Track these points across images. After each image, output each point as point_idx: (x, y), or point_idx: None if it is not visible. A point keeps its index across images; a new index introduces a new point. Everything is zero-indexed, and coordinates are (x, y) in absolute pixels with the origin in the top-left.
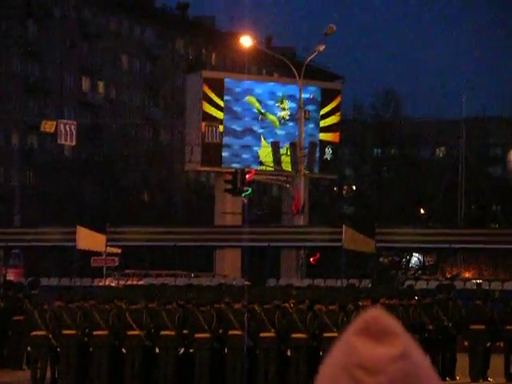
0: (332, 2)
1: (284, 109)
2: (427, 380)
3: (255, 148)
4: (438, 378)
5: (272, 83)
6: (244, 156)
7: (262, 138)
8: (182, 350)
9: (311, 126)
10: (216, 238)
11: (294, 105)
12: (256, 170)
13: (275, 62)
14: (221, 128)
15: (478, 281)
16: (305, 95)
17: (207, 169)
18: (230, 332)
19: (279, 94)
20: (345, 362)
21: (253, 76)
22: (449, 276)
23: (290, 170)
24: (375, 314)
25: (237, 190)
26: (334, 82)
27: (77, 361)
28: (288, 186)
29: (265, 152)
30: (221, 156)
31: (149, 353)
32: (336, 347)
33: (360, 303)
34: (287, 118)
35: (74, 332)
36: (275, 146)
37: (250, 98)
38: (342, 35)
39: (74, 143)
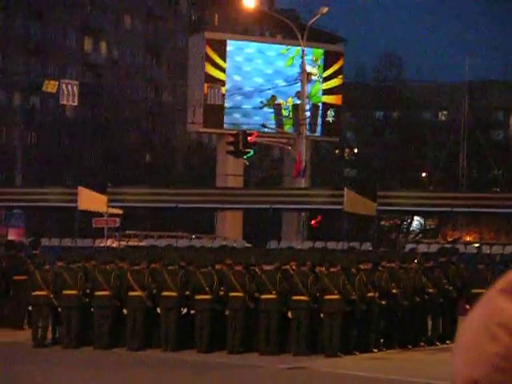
0: None
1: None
2: None
3: (258, 109)
4: None
5: (276, 45)
6: (247, 118)
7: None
8: (185, 311)
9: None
10: (217, 199)
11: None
12: (258, 132)
13: (278, 25)
14: (223, 90)
15: (479, 245)
16: (308, 58)
17: (209, 130)
18: (231, 293)
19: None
20: (486, 319)
21: (256, 37)
22: (450, 240)
23: (291, 131)
24: None
25: (239, 152)
26: (337, 45)
27: (78, 321)
28: (290, 148)
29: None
30: (223, 117)
31: (150, 313)
32: (479, 304)
33: (361, 266)
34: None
35: (75, 292)
36: (278, 109)
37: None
38: None
39: (75, 103)
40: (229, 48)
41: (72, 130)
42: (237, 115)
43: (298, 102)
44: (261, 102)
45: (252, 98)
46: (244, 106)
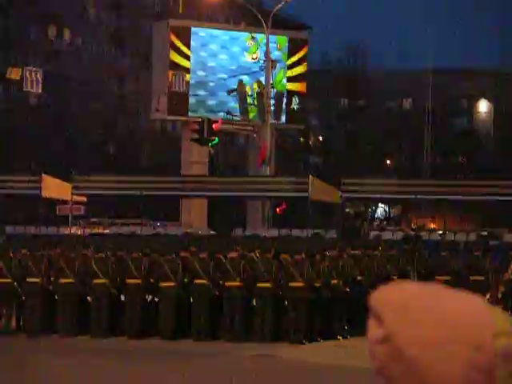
0: None
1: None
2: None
3: (222, 97)
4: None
5: (239, 32)
6: (210, 104)
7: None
8: (150, 298)
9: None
10: (182, 187)
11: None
12: (223, 120)
13: (243, 12)
14: (187, 77)
15: (442, 232)
16: (272, 45)
17: (174, 118)
18: (196, 281)
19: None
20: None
21: (220, 24)
22: (414, 227)
23: (256, 119)
24: (376, 293)
25: (203, 139)
26: (302, 32)
27: (42, 308)
28: (255, 135)
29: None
30: (187, 105)
31: (115, 301)
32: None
33: (326, 253)
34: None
35: (39, 280)
36: (242, 96)
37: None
38: None
39: (39, 91)
40: (193, 41)
41: (36, 118)
42: (201, 110)
43: (260, 89)
44: (229, 91)
45: (217, 94)
46: (209, 103)
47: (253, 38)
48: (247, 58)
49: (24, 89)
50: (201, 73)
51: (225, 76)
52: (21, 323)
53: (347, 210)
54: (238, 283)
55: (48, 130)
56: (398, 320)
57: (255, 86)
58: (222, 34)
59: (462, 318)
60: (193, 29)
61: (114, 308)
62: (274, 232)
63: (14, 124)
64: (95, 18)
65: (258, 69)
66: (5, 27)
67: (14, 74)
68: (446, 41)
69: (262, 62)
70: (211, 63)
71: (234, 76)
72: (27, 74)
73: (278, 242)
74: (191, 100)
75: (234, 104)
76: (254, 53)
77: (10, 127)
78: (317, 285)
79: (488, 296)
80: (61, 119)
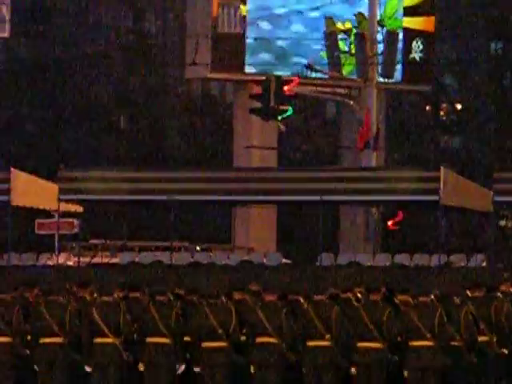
0: None
1: None
2: None
3: (298, 41)
4: None
5: None
6: (279, 51)
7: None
8: (183, 368)
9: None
10: (236, 188)
11: None
12: (301, 78)
13: None
14: (243, 9)
15: None
16: None
17: (222, 76)
18: (259, 339)
19: None
20: None
21: None
22: None
23: (354, 76)
24: None
25: (270, 110)
26: None
27: (12, 382)
28: (352, 103)
29: None
30: (243, 55)
31: (129, 371)
32: None
33: (469, 293)
34: None
35: (8, 340)
36: (332, 40)
37: None
38: None
39: (6, 34)
40: None
41: (1, 78)
42: (265, 55)
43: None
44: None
45: (288, 26)
46: (277, 50)
47: None
48: None
49: None
50: (263, 1)
51: (303, 7)
52: None
53: (503, 222)
54: (327, 342)
55: (20, 97)
56: None
57: (350, 23)
58: None
59: None
60: None
61: (127, 382)
62: (385, 259)
63: None
64: None
65: None
66: None
67: None
68: None
69: None
70: None
71: (317, 8)
72: None
73: (391, 276)
74: (249, 45)
75: (318, 51)
76: None
77: None
78: (455, 344)
79: None
80: (42, 80)
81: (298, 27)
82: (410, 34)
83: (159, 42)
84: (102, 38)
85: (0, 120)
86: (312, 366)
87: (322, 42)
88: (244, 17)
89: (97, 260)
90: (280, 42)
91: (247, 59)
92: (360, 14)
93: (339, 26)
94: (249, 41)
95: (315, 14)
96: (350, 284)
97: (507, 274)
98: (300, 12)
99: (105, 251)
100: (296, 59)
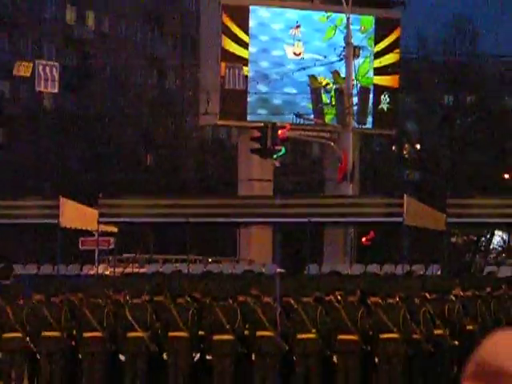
0: None
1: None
2: None
3: (290, 95)
4: None
5: (312, 11)
6: (275, 104)
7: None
8: (198, 356)
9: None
10: (240, 212)
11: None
12: (292, 125)
13: None
14: (245, 70)
15: None
16: (354, 27)
17: (228, 123)
18: (259, 333)
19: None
20: None
21: (287, 2)
22: None
23: (335, 123)
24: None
25: (267, 150)
26: (393, 10)
27: (61, 370)
28: (333, 144)
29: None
30: (246, 106)
31: (154, 360)
32: None
33: (427, 295)
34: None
35: (57, 334)
36: (316, 93)
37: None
38: None
39: (56, 90)
40: (252, 24)
41: (51, 125)
42: (262, 110)
43: (339, 85)
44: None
45: (283, 92)
46: (274, 103)
47: (328, 17)
48: (322, 43)
49: (36, 88)
50: (263, 64)
51: (293, 67)
52: None
53: (454, 239)
54: (313, 335)
55: (67, 141)
56: None
57: (328, 79)
58: (288, 13)
59: None
60: (251, 7)
61: (153, 369)
62: (360, 268)
63: (23, 133)
64: None
65: (336, 58)
66: (13, 9)
67: (23, 69)
68: None
69: (341, 49)
70: (275, 51)
71: (304, 68)
72: (40, 69)
73: (364, 282)
74: (250, 99)
75: (305, 104)
76: (330, 37)
77: (19, 136)
78: (416, 337)
79: None
80: (83, 126)
81: (289, 89)
82: (379, 89)
83: (178, 96)
84: (131, 93)
85: (51, 159)
86: (301, 354)
87: (309, 97)
88: (246, 76)
89: (128, 270)
90: (275, 101)
91: (248, 110)
92: (336, 71)
93: (321, 80)
94: (250, 96)
95: (304, 78)
96: (332, 289)
97: (457, 281)
98: (291, 72)
99: (135, 263)
100: (286, 109)
